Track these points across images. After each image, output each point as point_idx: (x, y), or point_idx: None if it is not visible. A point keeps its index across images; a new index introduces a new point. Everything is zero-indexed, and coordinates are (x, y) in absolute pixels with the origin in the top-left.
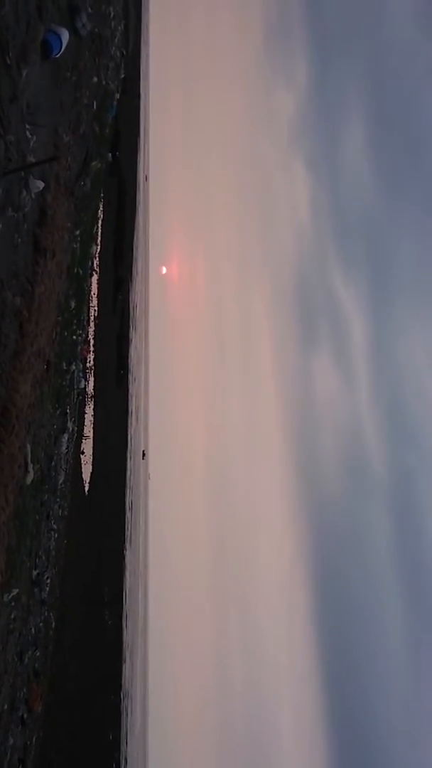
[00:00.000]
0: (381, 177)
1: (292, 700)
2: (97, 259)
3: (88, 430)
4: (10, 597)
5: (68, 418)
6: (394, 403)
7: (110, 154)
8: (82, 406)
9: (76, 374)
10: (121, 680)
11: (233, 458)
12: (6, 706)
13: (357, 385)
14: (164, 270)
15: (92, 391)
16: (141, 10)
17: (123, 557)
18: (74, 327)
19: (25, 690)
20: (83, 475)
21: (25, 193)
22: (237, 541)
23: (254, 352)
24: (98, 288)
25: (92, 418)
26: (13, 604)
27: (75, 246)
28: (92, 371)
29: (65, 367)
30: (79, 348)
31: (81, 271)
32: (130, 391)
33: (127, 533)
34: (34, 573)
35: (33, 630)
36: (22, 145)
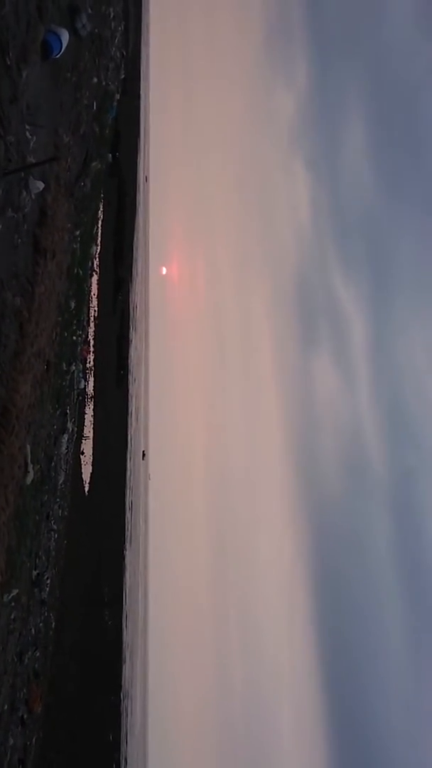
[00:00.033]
0: (381, 177)
1: (292, 700)
2: (97, 259)
3: (88, 430)
4: (9, 597)
5: (68, 419)
6: (394, 403)
7: (110, 155)
8: (82, 406)
9: (76, 375)
10: (121, 681)
11: (233, 458)
12: (6, 707)
13: (357, 385)
14: (164, 270)
15: (92, 391)
16: (141, 10)
17: (123, 557)
18: (74, 327)
19: (25, 690)
20: (83, 476)
21: (25, 193)
22: (237, 541)
23: (254, 352)
24: (98, 288)
25: (92, 419)
26: (13, 604)
27: (75, 246)
28: (92, 372)
29: (65, 368)
30: (79, 348)
31: (81, 272)
32: (130, 391)
33: (127, 533)
34: (34, 573)
35: (33, 630)
36: (22, 146)
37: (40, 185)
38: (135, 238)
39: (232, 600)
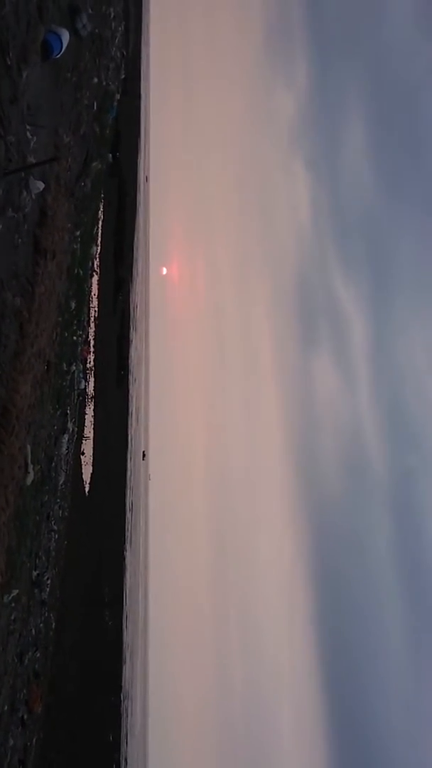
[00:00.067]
0: (381, 177)
1: (292, 700)
2: (98, 259)
3: (89, 430)
4: (10, 598)
5: (68, 419)
6: (394, 403)
7: (111, 155)
8: (83, 406)
9: (76, 375)
10: (121, 681)
11: (233, 458)
12: (6, 707)
13: (357, 385)
14: (164, 271)
15: (92, 391)
16: (141, 10)
17: (123, 558)
18: (74, 328)
19: (25, 691)
20: (83, 476)
21: (25, 193)
22: (237, 541)
23: (254, 352)
24: (98, 289)
25: (92, 419)
26: (13, 605)
27: (75, 247)
28: (92, 372)
29: (65, 368)
30: (80, 349)
31: (81, 272)
32: (131, 391)
33: (128, 534)
34: (35, 574)
35: (33, 631)
36: (23, 146)
37: (41, 185)
38: (135, 238)
39: (232, 600)
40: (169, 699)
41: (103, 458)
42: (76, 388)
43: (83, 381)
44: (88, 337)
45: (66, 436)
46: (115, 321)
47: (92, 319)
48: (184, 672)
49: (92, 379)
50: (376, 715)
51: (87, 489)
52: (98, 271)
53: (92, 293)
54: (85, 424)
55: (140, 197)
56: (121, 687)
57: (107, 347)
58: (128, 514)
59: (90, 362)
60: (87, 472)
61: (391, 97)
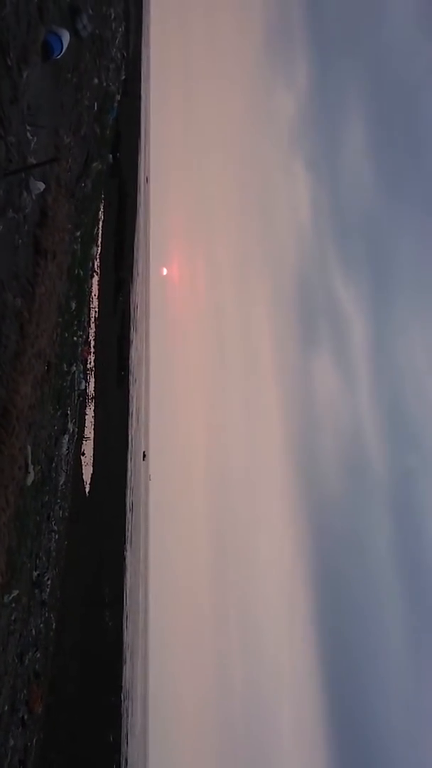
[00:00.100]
0: (381, 177)
1: (292, 700)
2: (98, 260)
3: (89, 431)
4: (10, 598)
5: (69, 420)
6: (394, 404)
7: (111, 156)
8: (83, 407)
9: (76, 375)
10: (121, 681)
11: (233, 458)
12: (6, 708)
13: (357, 385)
14: (165, 271)
15: (93, 392)
16: (142, 11)
17: (123, 558)
18: (75, 328)
19: (25, 691)
20: (84, 477)
21: (25, 194)
22: (237, 541)
23: (254, 353)
24: (99, 289)
25: (93, 420)
26: (13, 605)
27: (76, 247)
28: (93, 372)
29: (66, 369)
30: (80, 349)
31: (82, 273)
32: (131, 392)
33: (128, 534)
34: (35, 574)
35: (33, 631)
36: (23, 147)
37: (41, 186)
38: (135, 239)
39: (232, 600)
40: (169, 699)
41: (104, 459)
42: (76, 388)
43: (83, 381)
44: (88, 337)
45: (66, 437)
46: (116, 321)
47: (92, 319)
48: (184, 672)
49: (93, 380)
50: (376, 715)
51: (87, 489)
52: (98, 271)
53: (92, 294)
54: (86, 425)
55: (140, 198)
56: (121, 687)
57: (107, 348)
58: (128, 515)
59: (90, 363)
60: (87, 472)
61: (391, 97)
